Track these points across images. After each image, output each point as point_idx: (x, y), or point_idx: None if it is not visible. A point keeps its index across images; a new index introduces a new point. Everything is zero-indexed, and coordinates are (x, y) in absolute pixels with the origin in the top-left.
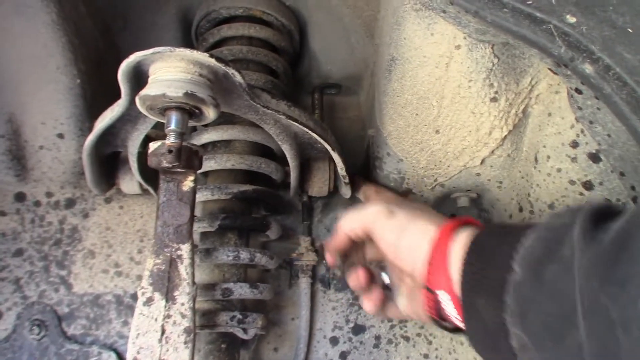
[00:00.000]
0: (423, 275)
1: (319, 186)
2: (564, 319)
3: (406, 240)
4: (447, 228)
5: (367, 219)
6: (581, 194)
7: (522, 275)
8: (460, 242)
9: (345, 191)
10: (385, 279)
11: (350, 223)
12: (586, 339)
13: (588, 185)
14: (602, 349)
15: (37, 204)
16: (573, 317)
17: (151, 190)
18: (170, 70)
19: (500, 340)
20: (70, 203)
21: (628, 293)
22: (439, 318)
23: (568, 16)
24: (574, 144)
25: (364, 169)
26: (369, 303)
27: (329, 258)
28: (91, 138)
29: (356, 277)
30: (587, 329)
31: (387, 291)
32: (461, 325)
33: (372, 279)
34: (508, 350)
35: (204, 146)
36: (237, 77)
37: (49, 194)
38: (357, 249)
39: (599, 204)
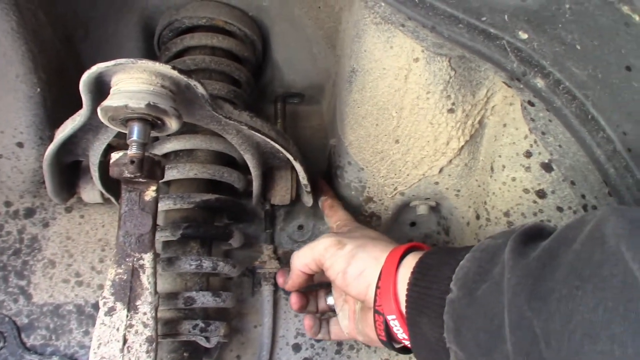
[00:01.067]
0: (372, 300)
1: (281, 195)
2: (493, 333)
3: (354, 267)
4: (395, 253)
5: (317, 252)
6: (535, 202)
7: (457, 294)
8: (407, 266)
9: (307, 199)
10: (330, 301)
11: (303, 259)
12: (512, 352)
13: (541, 194)
14: None
15: None
16: (502, 332)
17: (113, 200)
18: (133, 82)
19: (442, 357)
20: (29, 212)
21: (548, 307)
22: (389, 339)
23: (520, 32)
24: (528, 154)
25: (326, 178)
26: (305, 327)
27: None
28: (52, 147)
29: (290, 301)
30: (513, 343)
31: (333, 313)
32: (409, 345)
33: (314, 302)
34: None
35: (167, 155)
36: (200, 89)
37: (7, 204)
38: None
39: (532, 225)
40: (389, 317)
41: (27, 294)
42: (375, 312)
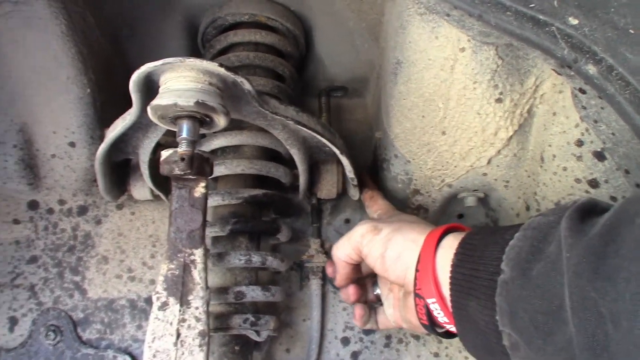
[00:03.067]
0: (412, 283)
1: (327, 189)
2: (552, 315)
3: (392, 251)
4: (433, 235)
5: (355, 240)
6: (587, 191)
7: (510, 275)
8: (447, 247)
9: (354, 193)
10: (377, 291)
11: (343, 250)
12: (575, 334)
13: (594, 183)
14: (592, 343)
15: (50, 211)
16: (562, 313)
17: (162, 196)
18: (181, 80)
19: (492, 341)
20: (82, 210)
21: (616, 287)
22: (431, 323)
23: (570, 18)
24: (579, 143)
25: (372, 171)
26: (355, 317)
27: (351, 291)
28: (103, 147)
29: (346, 293)
30: (576, 324)
31: (380, 303)
32: (451, 329)
33: (364, 294)
34: (501, 351)
35: (214, 152)
36: (246, 85)
37: (61, 202)
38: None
39: (585, 201)
40: (429, 301)
41: (81, 289)
42: (416, 295)
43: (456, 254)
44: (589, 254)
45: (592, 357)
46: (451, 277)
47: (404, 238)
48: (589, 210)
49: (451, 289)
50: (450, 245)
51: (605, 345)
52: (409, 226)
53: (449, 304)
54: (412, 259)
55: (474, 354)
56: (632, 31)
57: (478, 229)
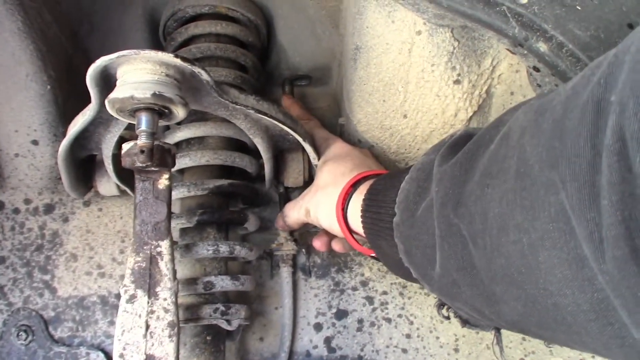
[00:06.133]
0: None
1: (294, 177)
2: (433, 247)
3: (314, 208)
4: (346, 186)
5: (292, 224)
6: None
7: (401, 217)
8: (358, 194)
9: None
10: None
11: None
12: (447, 258)
13: None
14: (462, 263)
15: (16, 211)
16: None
17: (128, 191)
18: (137, 72)
19: (409, 273)
20: (49, 208)
21: (469, 209)
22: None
23: None
24: None
25: None
26: (317, 243)
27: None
28: (65, 143)
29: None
30: (446, 249)
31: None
32: None
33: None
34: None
35: (178, 144)
36: (204, 75)
37: (27, 201)
38: None
39: (461, 132)
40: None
41: (51, 288)
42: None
43: (364, 200)
44: (452, 184)
45: (465, 275)
46: (362, 222)
47: (324, 193)
48: (463, 142)
49: (365, 232)
50: (361, 192)
51: (471, 262)
52: (333, 179)
53: (368, 244)
54: (331, 213)
55: (400, 277)
56: (579, 8)
57: (387, 173)
